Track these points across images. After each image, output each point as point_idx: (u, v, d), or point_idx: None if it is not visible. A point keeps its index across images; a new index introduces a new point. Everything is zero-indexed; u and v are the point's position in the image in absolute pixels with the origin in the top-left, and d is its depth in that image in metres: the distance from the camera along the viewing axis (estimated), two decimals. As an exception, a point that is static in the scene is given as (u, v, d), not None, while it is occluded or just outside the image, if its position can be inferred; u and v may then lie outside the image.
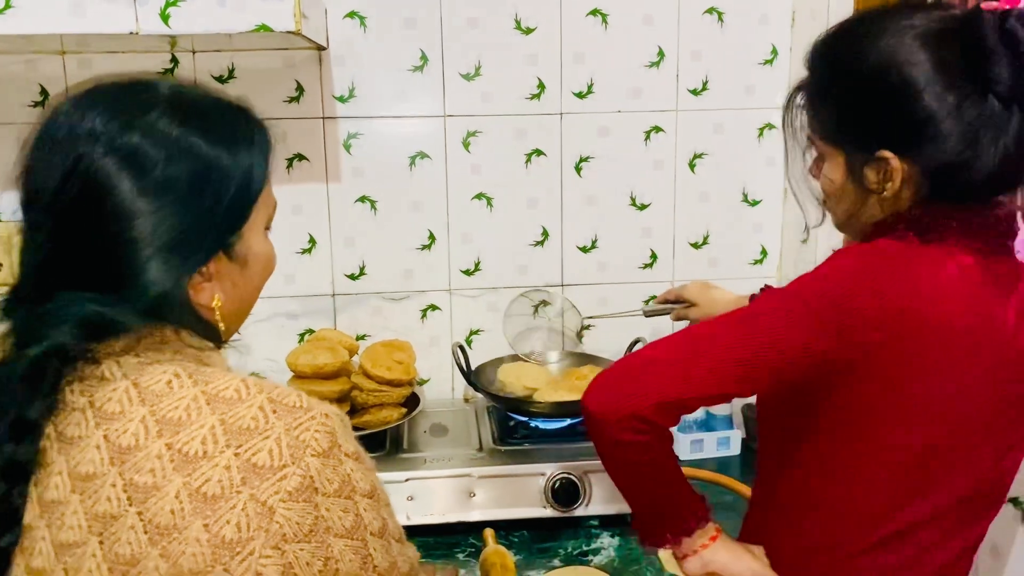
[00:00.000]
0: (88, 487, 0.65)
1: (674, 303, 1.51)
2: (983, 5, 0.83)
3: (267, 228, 0.81)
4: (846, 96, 0.90)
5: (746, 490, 1.54)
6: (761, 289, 1.40)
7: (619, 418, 0.88)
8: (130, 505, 0.63)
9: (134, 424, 0.65)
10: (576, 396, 1.55)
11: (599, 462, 1.44)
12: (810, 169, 0.99)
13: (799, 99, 0.96)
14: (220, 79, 1.67)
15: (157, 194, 0.69)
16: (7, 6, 1.25)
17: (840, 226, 0.99)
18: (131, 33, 1.29)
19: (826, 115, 0.93)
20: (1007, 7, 0.82)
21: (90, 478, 0.65)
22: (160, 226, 0.68)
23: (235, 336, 0.83)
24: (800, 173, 1.01)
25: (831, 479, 0.92)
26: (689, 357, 0.89)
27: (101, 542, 0.63)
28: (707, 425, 1.76)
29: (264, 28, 1.29)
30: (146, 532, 0.62)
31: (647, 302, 1.79)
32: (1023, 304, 0.89)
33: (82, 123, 0.69)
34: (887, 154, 0.87)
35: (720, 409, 1.78)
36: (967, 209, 0.88)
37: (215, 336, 0.75)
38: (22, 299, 0.70)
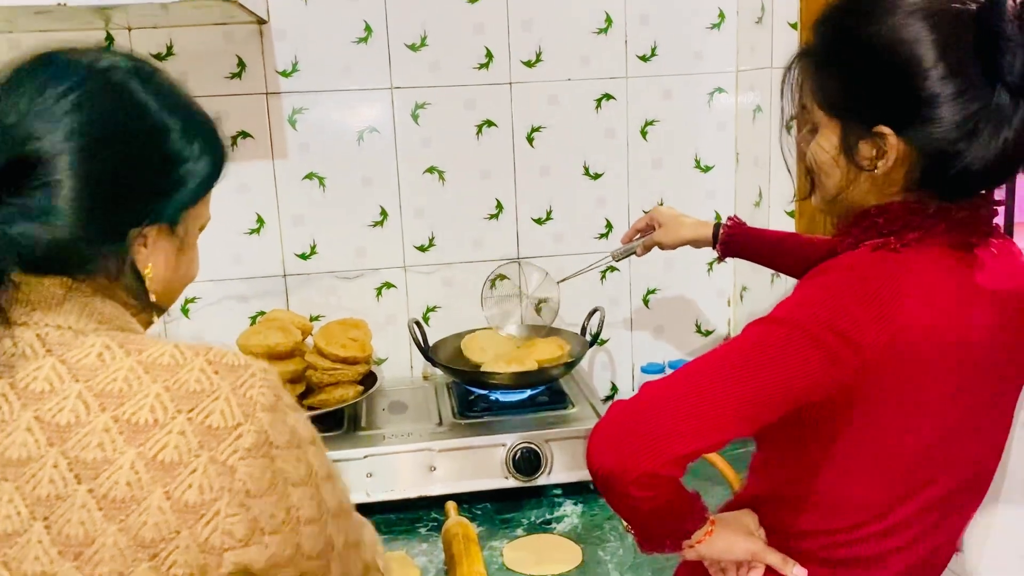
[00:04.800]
0: (23, 472, 0.62)
1: (644, 232, 1.49)
2: None
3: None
4: (852, 67, 0.87)
5: (711, 456, 1.54)
6: (729, 218, 1.40)
7: (632, 478, 0.83)
8: (79, 483, 0.61)
9: (71, 401, 0.63)
10: (533, 367, 1.55)
11: (560, 430, 1.46)
12: (799, 140, 0.96)
13: (801, 65, 0.93)
14: (158, 56, 1.61)
15: (94, 139, 0.68)
16: (-77, -22, 1.19)
17: (827, 202, 0.95)
18: (59, 5, 1.24)
19: (829, 84, 0.90)
20: None
21: (24, 462, 0.62)
22: (95, 169, 0.68)
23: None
24: (796, 143, 0.98)
25: (831, 478, 0.91)
26: (694, 406, 0.83)
27: (47, 526, 0.61)
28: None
29: (198, -5, 1.25)
30: (100, 508, 0.61)
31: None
32: (1003, 298, 0.89)
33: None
34: (885, 130, 0.85)
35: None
36: (950, 205, 0.86)
37: (146, 302, 0.75)
38: None
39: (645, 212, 1.75)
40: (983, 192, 0.90)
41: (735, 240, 1.39)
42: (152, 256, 0.75)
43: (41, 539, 0.61)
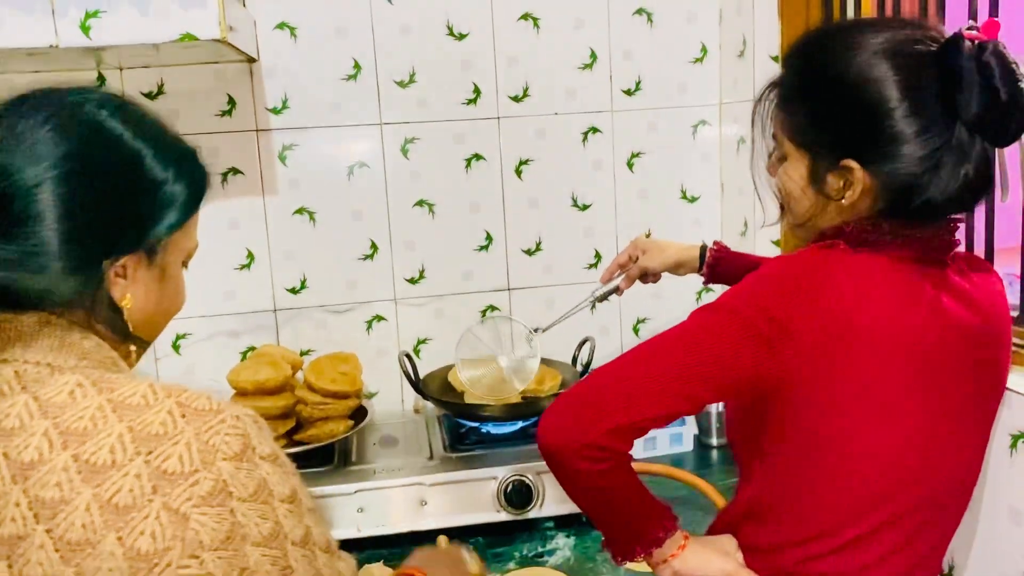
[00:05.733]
0: None
1: (626, 267, 1.44)
2: (964, 33, 0.84)
3: (184, 265, 0.82)
4: (820, 102, 0.90)
5: (698, 482, 1.54)
6: (715, 242, 1.39)
7: (575, 448, 0.88)
8: (37, 523, 0.60)
9: (36, 438, 0.62)
10: (519, 399, 1.55)
11: (551, 462, 1.46)
12: (769, 167, 0.99)
13: (772, 96, 0.96)
14: (149, 95, 1.63)
15: (70, 170, 0.68)
16: (-81, 22, 1.21)
17: (796, 227, 0.99)
18: (51, 47, 1.26)
19: (798, 117, 0.93)
20: (985, 38, 0.83)
21: None
22: (72, 201, 0.68)
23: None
24: (765, 168, 1.01)
25: (795, 485, 0.93)
26: (634, 380, 0.89)
27: (10, 565, 0.60)
28: (659, 422, 1.76)
29: (189, 37, 1.27)
30: (57, 550, 0.59)
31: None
32: (972, 320, 0.90)
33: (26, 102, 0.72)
34: (852, 164, 0.88)
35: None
36: (911, 226, 0.89)
37: (125, 334, 0.74)
38: None
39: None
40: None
41: (721, 263, 1.37)
42: (131, 287, 0.74)
43: None
